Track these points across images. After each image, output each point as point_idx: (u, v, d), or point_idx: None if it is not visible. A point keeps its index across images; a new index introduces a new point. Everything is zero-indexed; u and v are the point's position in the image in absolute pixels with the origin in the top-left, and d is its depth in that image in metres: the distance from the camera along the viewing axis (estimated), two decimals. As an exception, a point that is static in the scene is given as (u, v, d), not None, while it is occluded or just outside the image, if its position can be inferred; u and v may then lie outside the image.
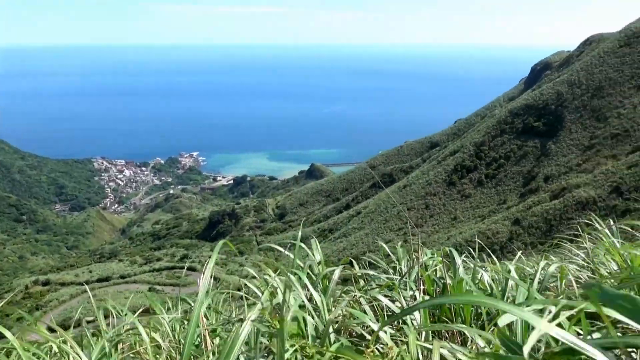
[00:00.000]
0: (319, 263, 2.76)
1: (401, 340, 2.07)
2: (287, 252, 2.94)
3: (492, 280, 3.08)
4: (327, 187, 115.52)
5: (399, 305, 2.56)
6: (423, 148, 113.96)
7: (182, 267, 54.44)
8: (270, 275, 2.41)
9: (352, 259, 3.49)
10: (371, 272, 3.09)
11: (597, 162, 57.62)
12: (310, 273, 2.67)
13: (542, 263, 2.76)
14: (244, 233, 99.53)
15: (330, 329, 1.76)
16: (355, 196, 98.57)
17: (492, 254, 4.10)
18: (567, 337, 0.94)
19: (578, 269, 3.35)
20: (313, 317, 1.84)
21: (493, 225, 55.59)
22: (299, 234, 2.86)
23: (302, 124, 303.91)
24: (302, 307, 1.99)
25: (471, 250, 3.79)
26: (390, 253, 3.41)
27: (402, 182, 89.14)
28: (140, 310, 3.20)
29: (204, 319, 2.36)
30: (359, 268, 3.38)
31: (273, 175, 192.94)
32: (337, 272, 2.60)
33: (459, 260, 2.97)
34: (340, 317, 2.37)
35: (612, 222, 4.04)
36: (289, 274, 2.02)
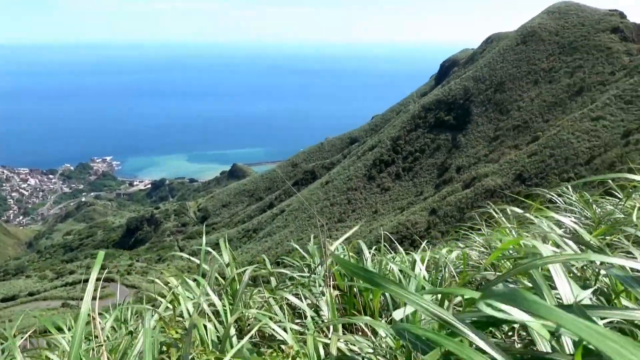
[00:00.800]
0: (228, 265, 2.69)
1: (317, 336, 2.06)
2: (193, 259, 2.84)
3: (400, 271, 3.18)
4: (250, 187, 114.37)
5: (309, 302, 2.57)
6: (343, 144, 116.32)
7: (99, 279, 51.22)
8: (172, 283, 2.30)
9: (266, 259, 3.44)
10: (283, 271, 3.07)
11: (502, 152, 62.11)
12: (218, 277, 2.60)
13: (444, 251, 2.90)
14: (164, 239, 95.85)
15: (232, 332, 1.71)
16: (279, 194, 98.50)
17: (412, 244, 4.25)
18: (440, 314, 1.01)
19: (478, 254, 3.57)
20: (214, 323, 1.78)
21: (412, 216, 58.07)
22: (223, 237, 2.77)
23: (223, 124, 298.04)
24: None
25: (394, 241, 3.90)
26: (302, 252, 3.41)
27: (324, 179, 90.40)
28: (32, 330, 2.93)
29: (103, 334, 2.21)
30: (280, 267, 3.35)
31: (193, 177, 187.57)
32: (247, 274, 2.55)
33: (367, 252, 3.04)
34: (251, 319, 2.32)
35: (512, 209, 4.32)
36: (189, 280, 1.94)
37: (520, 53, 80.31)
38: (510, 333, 1.55)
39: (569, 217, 3.22)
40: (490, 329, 1.52)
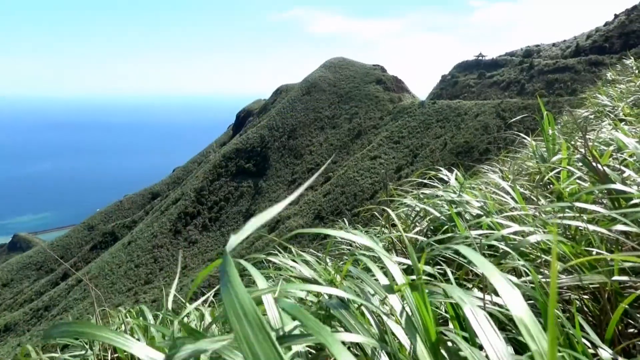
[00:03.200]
0: None
1: None
2: None
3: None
4: (38, 259, 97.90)
5: None
6: (144, 200, 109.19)
7: None
8: None
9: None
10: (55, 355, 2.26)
11: (300, 194, 66.00)
12: None
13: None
14: None
15: None
16: (74, 262, 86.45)
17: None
18: None
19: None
20: None
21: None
22: None
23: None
24: None
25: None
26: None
27: (126, 239, 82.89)
28: None
29: None
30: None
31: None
32: None
33: (150, 316, 2.46)
34: None
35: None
36: None
37: (306, 102, 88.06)
38: None
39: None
40: None
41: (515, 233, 1.81)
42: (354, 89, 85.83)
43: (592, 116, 6.00)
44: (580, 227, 1.72)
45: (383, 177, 53.52)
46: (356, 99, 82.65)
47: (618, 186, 1.70)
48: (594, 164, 1.96)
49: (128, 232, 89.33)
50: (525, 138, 3.72)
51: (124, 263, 72.68)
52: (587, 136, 2.65)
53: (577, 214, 1.71)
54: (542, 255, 1.70)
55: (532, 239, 1.57)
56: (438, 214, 2.27)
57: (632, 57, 11.33)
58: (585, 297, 1.61)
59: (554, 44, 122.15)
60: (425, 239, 2.18)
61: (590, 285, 1.57)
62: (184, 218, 77.84)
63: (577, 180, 2.36)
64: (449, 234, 2.12)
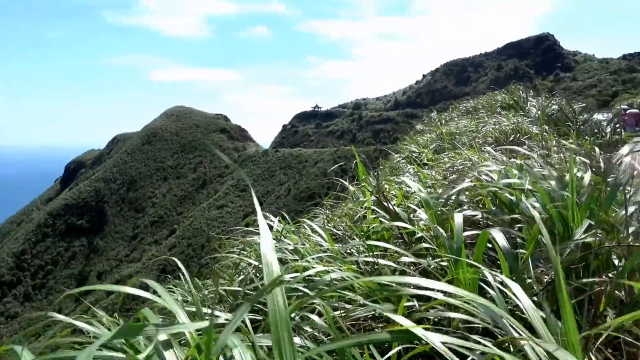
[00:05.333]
0: None
1: None
2: None
3: None
4: None
5: None
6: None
7: None
8: None
9: None
10: None
11: (142, 249, 61.56)
12: None
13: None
14: None
15: None
16: None
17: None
18: None
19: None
20: None
21: (52, 340, 49.29)
22: None
23: None
24: None
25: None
26: None
27: None
28: None
29: None
30: None
31: None
32: None
33: None
34: None
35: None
36: None
37: (147, 152, 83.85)
38: None
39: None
40: None
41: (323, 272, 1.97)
42: (197, 138, 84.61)
43: (403, 161, 6.87)
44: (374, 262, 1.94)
45: (208, 236, 52.99)
46: (200, 148, 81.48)
47: (400, 223, 1.96)
48: (385, 204, 2.24)
49: None
50: (344, 184, 4.09)
51: None
52: (381, 182, 3.02)
53: (369, 252, 1.93)
54: (344, 292, 1.87)
55: (331, 276, 1.72)
56: (255, 262, 2.36)
57: (435, 111, 13.34)
58: (380, 324, 1.81)
59: (377, 98, 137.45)
60: (240, 289, 2.24)
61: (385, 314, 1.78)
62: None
63: (381, 219, 2.68)
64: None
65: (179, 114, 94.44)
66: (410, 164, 6.14)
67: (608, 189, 2.11)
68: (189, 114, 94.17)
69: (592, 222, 1.87)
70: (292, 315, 1.74)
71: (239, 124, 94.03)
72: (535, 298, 1.45)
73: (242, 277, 2.59)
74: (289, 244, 2.59)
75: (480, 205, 2.74)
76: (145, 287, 1.61)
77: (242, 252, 2.88)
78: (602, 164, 3.33)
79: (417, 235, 2.14)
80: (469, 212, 2.52)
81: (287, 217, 3.41)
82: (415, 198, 2.82)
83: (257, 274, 2.63)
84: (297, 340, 1.45)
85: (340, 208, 4.99)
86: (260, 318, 1.87)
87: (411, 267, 1.93)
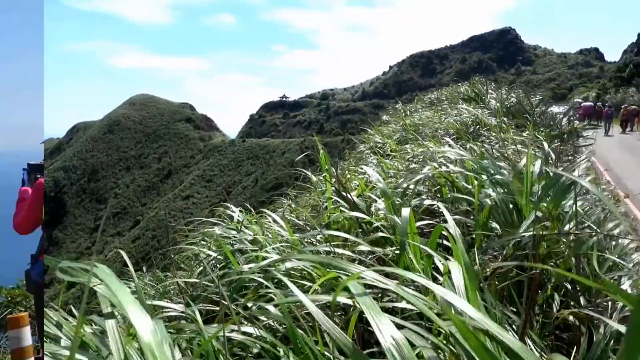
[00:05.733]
0: None
1: None
2: None
3: None
4: None
5: None
6: None
7: None
8: None
9: None
10: None
11: (105, 241, 60.03)
12: None
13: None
14: None
15: None
16: None
17: None
18: None
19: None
20: None
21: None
22: None
23: None
24: None
25: None
26: None
27: None
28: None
29: None
30: None
31: None
32: None
33: None
34: None
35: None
36: None
37: (109, 142, 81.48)
38: None
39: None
40: None
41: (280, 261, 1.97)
42: (162, 127, 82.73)
43: (368, 151, 6.93)
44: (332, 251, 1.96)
45: (167, 226, 52.25)
46: (165, 137, 79.75)
47: (357, 213, 1.99)
48: (344, 194, 2.26)
49: None
50: (307, 174, 4.10)
51: None
52: (340, 172, 3.04)
53: (326, 241, 1.94)
54: (302, 282, 1.88)
55: (286, 266, 1.73)
56: (214, 254, 2.35)
57: (400, 103, 13.50)
58: (337, 313, 1.83)
59: (345, 89, 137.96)
60: (197, 280, 2.22)
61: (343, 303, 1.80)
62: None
63: (341, 208, 2.70)
64: (226, 270, 2.20)
65: (142, 102, 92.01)
66: (375, 154, 6.21)
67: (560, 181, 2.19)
68: (153, 103, 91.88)
69: (541, 213, 1.94)
70: (249, 304, 1.75)
71: (205, 114, 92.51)
72: (481, 285, 1.50)
73: (201, 268, 2.57)
74: (250, 235, 2.59)
75: (438, 195, 2.80)
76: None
77: (202, 242, 2.87)
78: (552, 155, 3.47)
79: (374, 225, 2.17)
80: (427, 202, 2.58)
81: (250, 207, 3.40)
82: (377, 188, 2.86)
83: (216, 265, 2.62)
84: (250, 329, 1.46)
85: (304, 198, 5.02)
86: (216, 309, 1.87)
87: (368, 257, 1.96)
